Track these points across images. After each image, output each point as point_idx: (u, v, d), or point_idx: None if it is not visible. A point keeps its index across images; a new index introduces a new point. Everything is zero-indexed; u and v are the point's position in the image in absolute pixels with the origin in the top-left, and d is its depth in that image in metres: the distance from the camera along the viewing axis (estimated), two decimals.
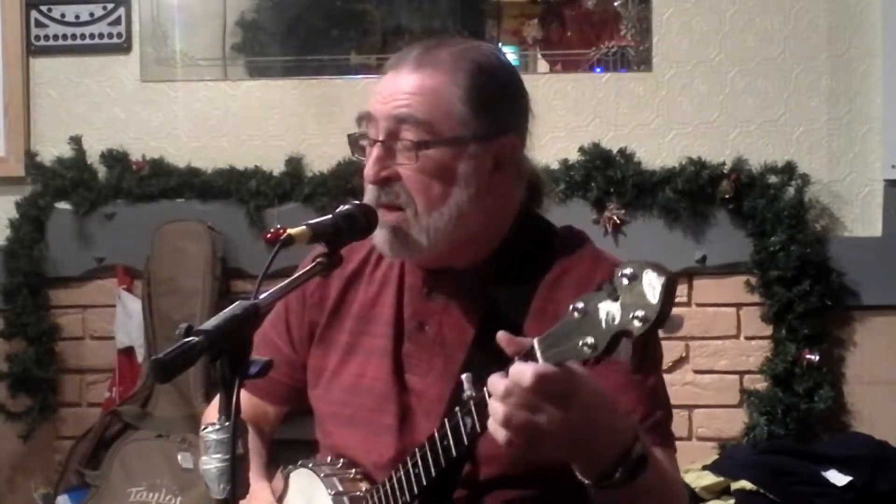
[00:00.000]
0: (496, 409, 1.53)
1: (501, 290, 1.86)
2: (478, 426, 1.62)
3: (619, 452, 1.58)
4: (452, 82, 1.83)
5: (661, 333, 1.44)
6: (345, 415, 1.94)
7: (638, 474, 1.59)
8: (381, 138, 1.83)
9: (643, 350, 1.74)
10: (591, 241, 1.95)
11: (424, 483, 1.73)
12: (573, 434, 1.54)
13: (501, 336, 1.57)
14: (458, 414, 1.65)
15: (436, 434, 1.70)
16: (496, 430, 1.54)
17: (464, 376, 1.63)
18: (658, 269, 1.39)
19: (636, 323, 1.39)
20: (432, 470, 1.72)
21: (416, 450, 1.74)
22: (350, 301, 1.99)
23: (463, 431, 1.65)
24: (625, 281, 1.40)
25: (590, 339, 1.45)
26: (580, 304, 1.46)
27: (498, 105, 1.87)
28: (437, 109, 1.82)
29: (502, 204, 1.90)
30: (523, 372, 1.50)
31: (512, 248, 1.90)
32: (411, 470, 1.75)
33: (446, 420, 1.68)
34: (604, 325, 1.43)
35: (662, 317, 1.38)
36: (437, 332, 1.89)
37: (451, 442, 1.68)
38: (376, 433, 1.88)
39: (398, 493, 1.78)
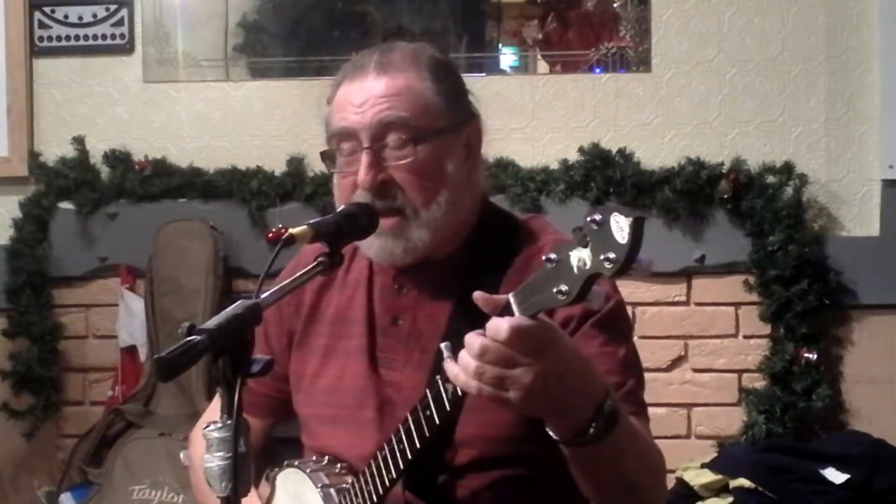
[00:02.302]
0: (467, 363, 1.56)
1: (472, 280, 1.86)
2: (459, 390, 1.64)
3: (591, 407, 1.60)
4: (421, 78, 1.88)
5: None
6: (327, 415, 1.96)
7: (612, 429, 1.61)
8: (367, 145, 1.85)
9: (613, 320, 1.78)
10: (554, 227, 1.99)
11: (410, 457, 1.74)
12: (547, 387, 1.55)
13: (478, 296, 1.58)
14: (440, 382, 1.67)
15: (418, 406, 1.72)
16: (467, 382, 1.57)
17: (443, 345, 1.64)
18: (625, 210, 1.41)
19: (606, 264, 1.41)
20: (417, 442, 1.73)
21: (400, 425, 1.75)
22: (325, 306, 2.02)
23: (445, 398, 1.67)
24: (594, 227, 1.42)
25: (563, 286, 1.47)
26: (552, 255, 1.48)
27: (460, 93, 1.94)
28: (417, 105, 1.86)
29: (473, 190, 1.94)
30: (499, 326, 1.52)
31: (480, 238, 1.94)
32: (395, 447, 1.76)
33: (427, 390, 1.70)
34: (576, 270, 1.45)
35: (631, 255, 1.40)
36: (410, 326, 1.92)
37: (434, 410, 1.69)
38: (358, 427, 1.91)
39: (384, 472, 1.79)
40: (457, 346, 1.62)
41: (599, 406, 1.61)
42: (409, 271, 1.94)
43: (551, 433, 1.64)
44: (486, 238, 1.94)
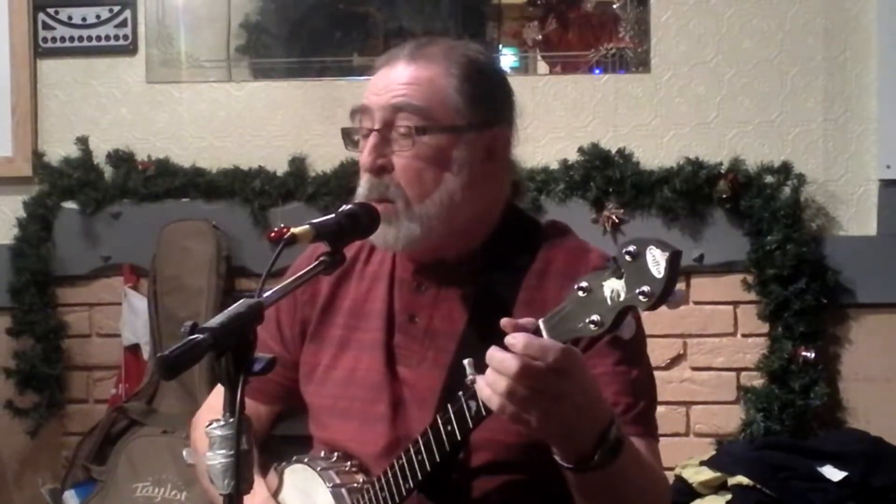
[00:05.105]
0: (495, 380, 1.55)
1: (490, 282, 1.88)
2: (483, 409, 1.63)
3: (597, 435, 1.61)
4: (447, 73, 1.88)
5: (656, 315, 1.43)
6: (339, 407, 1.96)
7: (615, 457, 1.62)
8: (376, 127, 1.86)
9: (627, 340, 1.76)
10: (575, 233, 1.99)
11: (428, 468, 1.75)
12: (565, 414, 1.56)
13: (506, 322, 1.57)
14: (462, 398, 1.66)
15: (438, 419, 1.71)
16: (491, 397, 1.56)
17: (466, 361, 1.64)
18: (661, 244, 1.41)
19: (641, 298, 1.41)
20: (436, 455, 1.73)
21: (419, 437, 1.75)
22: (342, 297, 2.01)
23: (468, 415, 1.67)
24: (628, 258, 1.42)
25: (595, 317, 1.47)
26: (584, 283, 1.48)
27: (490, 97, 1.92)
28: (433, 98, 1.86)
29: (492, 195, 1.94)
30: (547, 348, 1.52)
31: (500, 240, 1.94)
32: (414, 457, 1.76)
33: (449, 405, 1.70)
34: (609, 301, 1.45)
35: (668, 291, 1.40)
36: (427, 324, 1.92)
37: (455, 426, 1.69)
38: (370, 423, 1.91)
39: (401, 480, 1.79)
40: (472, 347, 1.61)
41: (605, 434, 1.62)
42: (428, 269, 1.95)
43: (556, 458, 1.65)
44: (506, 240, 1.94)
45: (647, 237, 1.44)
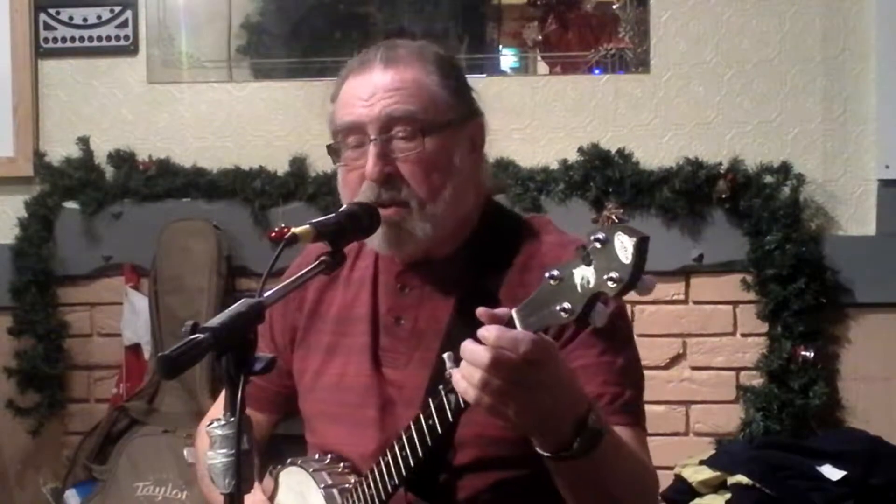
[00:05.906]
0: (471, 373, 1.55)
1: (473, 279, 1.88)
2: (461, 402, 1.64)
3: (575, 423, 1.60)
4: (427, 71, 1.88)
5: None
6: (330, 413, 1.97)
7: (595, 445, 1.61)
8: (374, 137, 1.85)
9: (613, 326, 1.73)
10: (556, 226, 1.99)
11: (412, 464, 1.75)
12: (541, 404, 1.56)
13: (482, 311, 1.57)
14: (442, 392, 1.67)
15: (420, 415, 1.72)
16: (467, 389, 1.56)
17: (445, 355, 1.63)
18: (629, 230, 1.41)
19: (610, 284, 1.41)
20: (419, 450, 1.73)
21: (402, 432, 1.76)
22: (328, 303, 2.02)
23: (448, 409, 1.67)
24: (597, 245, 1.42)
25: (566, 304, 1.47)
26: (555, 272, 1.48)
27: (465, 89, 1.94)
28: (423, 98, 1.86)
29: (477, 187, 1.95)
30: (518, 339, 1.52)
31: (482, 236, 1.94)
32: (398, 453, 1.76)
33: (430, 400, 1.70)
34: (579, 289, 1.45)
35: (635, 276, 1.40)
36: (413, 326, 1.93)
37: (436, 420, 1.69)
38: (360, 427, 1.91)
39: (387, 478, 1.80)
40: (457, 344, 1.60)
41: (583, 422, 1.61)
42: (412, 270, 1.95)
43: (536, 447, 1.64)
44: (488, 237, 1.94)
45: (616, 224, 1.44)
